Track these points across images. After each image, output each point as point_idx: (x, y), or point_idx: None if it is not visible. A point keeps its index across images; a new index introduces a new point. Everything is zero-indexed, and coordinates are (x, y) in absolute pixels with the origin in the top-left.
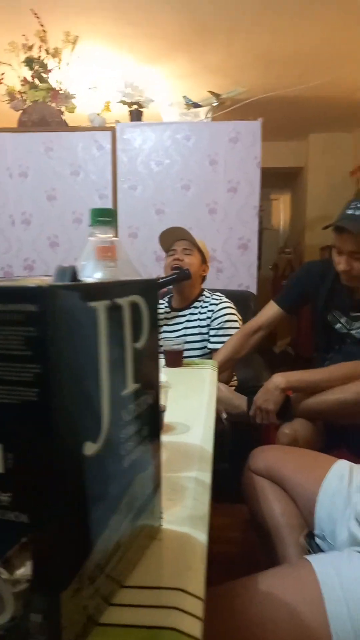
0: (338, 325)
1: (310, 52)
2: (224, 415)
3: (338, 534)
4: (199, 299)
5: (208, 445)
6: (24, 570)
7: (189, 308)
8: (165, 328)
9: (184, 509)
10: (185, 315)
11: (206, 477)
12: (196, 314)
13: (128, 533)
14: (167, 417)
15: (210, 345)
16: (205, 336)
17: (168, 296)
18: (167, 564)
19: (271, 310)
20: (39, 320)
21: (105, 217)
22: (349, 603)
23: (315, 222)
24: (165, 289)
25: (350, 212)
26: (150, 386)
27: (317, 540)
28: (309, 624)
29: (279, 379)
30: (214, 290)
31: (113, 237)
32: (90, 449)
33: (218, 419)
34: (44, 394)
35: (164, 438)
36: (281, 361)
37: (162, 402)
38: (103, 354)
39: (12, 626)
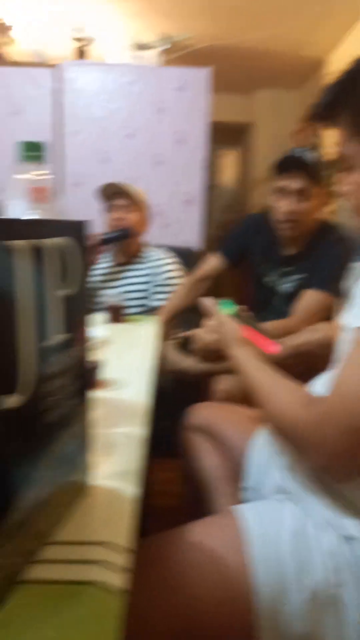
0: (268, 279)
1: (259, 3)
2: (169, 377)
3: (266, 485)
4: (140, 255)
5: (145, 401)
6: None
7: (131, 263)
8: (106, 283)
9: (116, 465)
10: (126, 271)
11: (141, 432)
12: (137, 269)
13: (52, 490)
14: (106, 373)
15: (153, 303)
16: (145, 293)
17: (110, 252)
18: (95, 519)
19: (215, 259)
20: None
21: (35, 152)
22: (267, 545)
23: (263, 180)
24: (101, 250)
25: (294, 154)
26: (79, 338)
27: (246, 491)
28: (230, 566)
29: (211, 343)
30: (158, 246)
31: (43, 175)
32: (7, 402)
33: (161, 377)
34: None
35: (101, 394)
36: None
37: (99, 357)
38: (21, 299)
39: None
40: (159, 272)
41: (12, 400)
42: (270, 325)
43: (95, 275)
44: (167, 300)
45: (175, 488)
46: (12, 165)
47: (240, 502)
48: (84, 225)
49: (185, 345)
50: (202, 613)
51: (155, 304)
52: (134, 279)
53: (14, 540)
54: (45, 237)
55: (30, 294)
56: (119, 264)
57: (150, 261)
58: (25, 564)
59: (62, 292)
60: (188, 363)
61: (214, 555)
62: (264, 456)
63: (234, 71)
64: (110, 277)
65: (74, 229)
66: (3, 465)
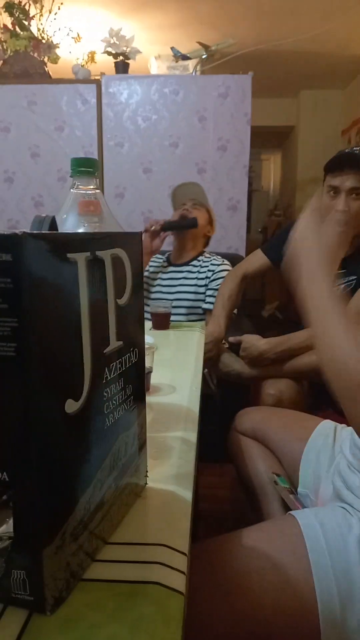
0: None
1: (302, 4)
2: (214, 381)
3: (322, 491)
4: (199, 258)
5: (194, 406)
6: (5, 528)
7: (188, 265)
8: (160, 282)
9: (170, 468)
10: (182, 272)
11: (192, 436)
12: (194, 272)
13: (112, 491)
14: (154, 379)
15: (204, 306)
16: (200, 296)
17: (167, 254)
18: (152, 521)
19: (258, 259)
20: (14, 270)
21: (87, 168)
22: (331, 553)
23: (307, 183)
24: (164, 235)
25: (348, 150)
26: (133, 344)
27: (300, 497)
28: (292, 574)
29: (267, 352)
30: (216, 254)
31: (95, 189)
32: (71, 406)
33: (207, 382)
34: (22, 349)
35: (151, 399)
36: (269, 325)
37: (148, 363)
38: (84, 309)
39: None
40: (217, 277)
41: (75, 405)
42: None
43: (150, 277)
44: (218, 295)
45: (221, 492)
46: (59, 180)
47: (293, 508)
48: (136, 237)
49: (235, 350)
50: (266, 620)
51: (206, 307)
52: (190, 280)
53: (79, 539)
54: (101, 249)
55: (92, 303)
56: (176, 265)
57: (207, 266)
58: (88, 562)
59: (118, 301)
60: (239, 366)
61: (275, 561)
62: (321, 462)
63: (276, 75)
64: (163, 275)
65: (127, 240)
66: (67, 468)
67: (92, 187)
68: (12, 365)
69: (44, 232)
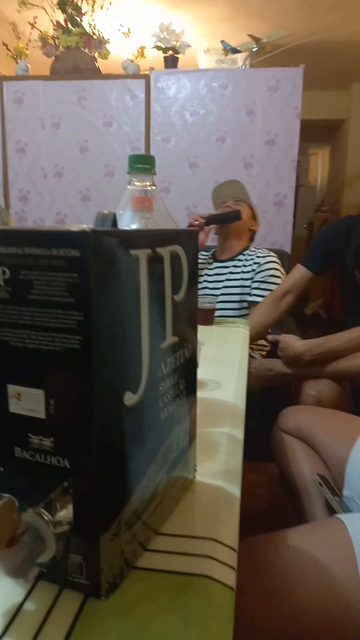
0: None
1: None
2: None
3: None
4: (244, 252)
5: (240, 403)
6: (66, 513)
7: (233, 260)
8: (206, 278)
9: (217, 463)
10: (228, 267)
11: (239, 433)
12: (240, 266)
13: (164, 483)
14: (199, 374)
15: (250, 298)
16: (247, 289)
17: (212, 250)
18: (201, 514)
19: (298, 272)
20: (81, 265)
21: (144, 164)
22: None
23: (355, 179)
24: (209, 229)
25: None
26: (187, 340)
27: (346, 500)
28: (339, 581)
29: (303, 354)
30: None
31: (151, 186)
32: (130, 399)
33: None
34: (87, 342)
35: (197, 394)
36: (312, 323)
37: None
38: (144, 304)
39: (53, 565)
40: (262, 269)
41: (134, 397)
42: None
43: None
44: (254, 314)
45: (259, 490)
46: (106, 175)
47: (338, 511)
48: (193, 234)
49: (274, 349)
50: (310, 626)
51: (252, 299)
52: (236, 274)
53: (133, 528)
54: (161, 246)
55: (151, 298)
56: (221, 260)
57: (253, 258)
58: (141, 551)
59: (174, 297)
60: (279, 367)
61: (320, 566)
62: None
63: (327, 67)
64: (209, 271)
65: (185, 238)
66: (124, 459)
67: (148, 183)
68: (77, 357)
69: (109, 229)
